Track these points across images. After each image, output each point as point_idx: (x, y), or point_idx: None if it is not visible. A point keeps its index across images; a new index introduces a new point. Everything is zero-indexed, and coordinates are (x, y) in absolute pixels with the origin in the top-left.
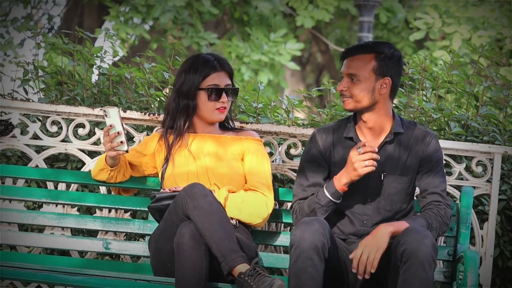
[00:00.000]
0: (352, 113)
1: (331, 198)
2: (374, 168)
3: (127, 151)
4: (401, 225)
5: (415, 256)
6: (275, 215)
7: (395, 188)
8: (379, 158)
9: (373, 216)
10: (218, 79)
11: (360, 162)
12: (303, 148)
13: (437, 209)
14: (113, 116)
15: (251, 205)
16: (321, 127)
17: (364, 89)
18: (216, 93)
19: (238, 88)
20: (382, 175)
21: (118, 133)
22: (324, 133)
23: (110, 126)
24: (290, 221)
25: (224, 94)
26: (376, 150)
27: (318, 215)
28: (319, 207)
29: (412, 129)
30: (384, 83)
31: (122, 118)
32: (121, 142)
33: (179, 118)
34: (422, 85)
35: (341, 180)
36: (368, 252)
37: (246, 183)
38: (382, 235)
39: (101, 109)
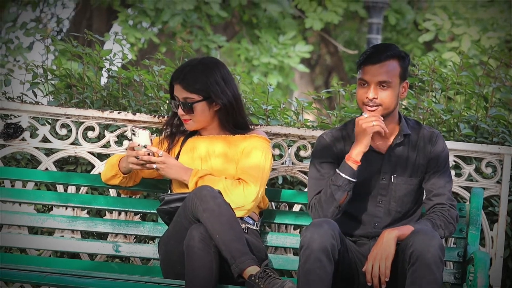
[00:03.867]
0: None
1: (345, 176)
2: (381, 128)
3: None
4: (406, 228)
5: (422, 258)
6: (285, 217)
7: (406, 190)
8: (383, 121)
9: (384, 218)
10: (176, 90)
11: (368, 123)
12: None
13: (441, 211)
14: (143, 137)
15: (231, 192)
16: (327, 130)
17: (394, 96)
18: (173, 104)
19: (189, 103)
20: (393, 177)
21: (149, 154)
22: (330, 132)
23: (138, 145)
24: (299, 223)
25: (179, 107)
26: (382, 118)
27: (336, 197)
28: (336, 188)
29: (418, 129)
30: (403, 87)
31: (132, 121)
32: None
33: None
34: (432, 86)
35: (352, 152)
36: (378, 263)
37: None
38: (387, 242)
39: (131, 130)
